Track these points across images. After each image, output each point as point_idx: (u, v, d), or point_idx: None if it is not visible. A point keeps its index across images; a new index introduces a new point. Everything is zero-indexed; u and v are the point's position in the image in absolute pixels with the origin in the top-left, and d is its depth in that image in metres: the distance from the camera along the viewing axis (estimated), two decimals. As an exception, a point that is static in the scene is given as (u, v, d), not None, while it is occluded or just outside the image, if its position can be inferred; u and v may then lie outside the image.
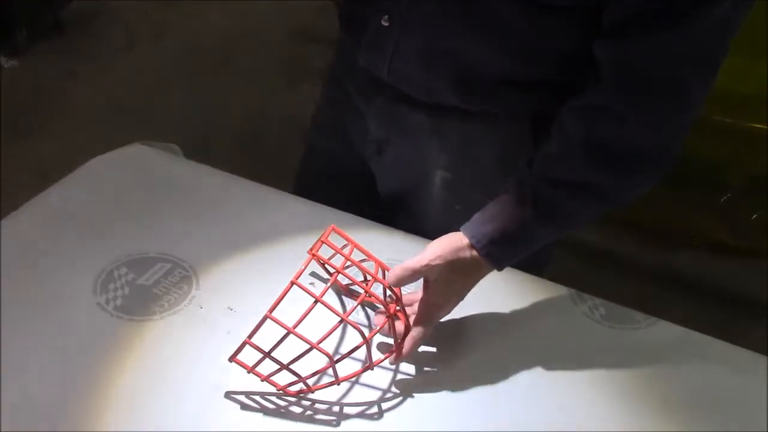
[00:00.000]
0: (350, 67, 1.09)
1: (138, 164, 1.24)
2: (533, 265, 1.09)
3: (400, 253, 1.03)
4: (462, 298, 0.93)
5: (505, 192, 0.91)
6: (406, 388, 0.89)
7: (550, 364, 0.93)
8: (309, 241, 0.93)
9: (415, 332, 0.89)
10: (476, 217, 0.91)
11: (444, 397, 0.89)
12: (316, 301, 0.80)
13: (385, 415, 0.86)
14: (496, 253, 0.89)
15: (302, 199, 1.17)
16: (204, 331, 0.93)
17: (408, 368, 0.92)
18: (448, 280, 0.89)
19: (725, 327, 1.24)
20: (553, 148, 0.89)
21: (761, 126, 2.09)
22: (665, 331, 0.99)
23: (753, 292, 2.24)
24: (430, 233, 1.10)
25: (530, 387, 0.91)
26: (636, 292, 1.40)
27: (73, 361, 0.88)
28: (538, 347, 0.95)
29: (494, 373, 0.92)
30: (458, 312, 0.98)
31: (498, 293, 1.02)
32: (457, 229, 0.91)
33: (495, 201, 0.91)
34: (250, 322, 0.89)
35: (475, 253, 0.89)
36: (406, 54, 0.98)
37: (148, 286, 0.99)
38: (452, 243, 0.90)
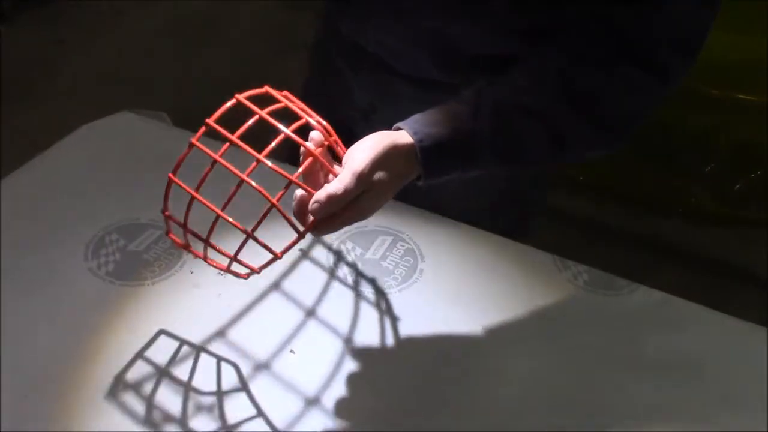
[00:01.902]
0: (336, 35, 1.09)
1: (127, 132, 1.24)
2: (520, 227, 1.10)
3: (381, 219, 1.06)
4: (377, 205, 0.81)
5: (457, 102, 0.84)
6: (379, 349, 0.91)
7: (534, 329, 0.95)
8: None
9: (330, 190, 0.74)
10: (420, 118, 0.82)
11: (425, 358, 0.90)
12: (214, 162, 0.71)
13: (344, 374, 0.87)
14: (434, 159, 0.81)
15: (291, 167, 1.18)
16: (195, 295, 0.95)
17: (388, 330, 0.93)
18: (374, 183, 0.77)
19: (709, 293, 1.26)
20: (525, 79, 0.85)
21: (746, 96, 2.11)
22: (647, 296, 1.01)
23: (736, 259, 2.28)
24: (414, 202, 1.11)
25: (513, 352, 0.92)
26: (621, 260, 1.41)
27: (66, 325, 0.90)
28: (522, 312, 0.97)
29: (476, 338, 0.93)
30: (441, 276, 1.01)
31: (484, 260, 1.04)
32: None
33: (443, 108, 0.84)
34: (240, 286, 0.91)
35: (409, 153, 0.80)
36: (390, 28, 0.98)
37: (139, 251, 1.00)
38: (385, 142, 0.79)
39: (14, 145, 2.50)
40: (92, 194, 1.10)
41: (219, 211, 0.72)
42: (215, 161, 0.71)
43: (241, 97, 0.72)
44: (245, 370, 0.86)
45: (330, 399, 0.84)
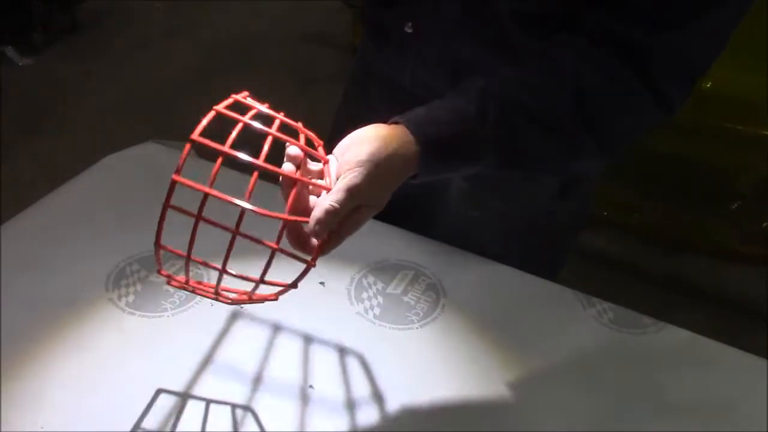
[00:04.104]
0: (372, 72, 1.09)
1: (151, 162, 1.25)
2: (549, 267, 1.08)
3: (403, 253, 1.05)
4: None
5: (460, 97, 0.82)
6: (403, 386, 0.89)
7: (558, 367, 0.94)
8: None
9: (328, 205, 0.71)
10: (423, 115, 0.79)
11: (445, 395, 0.89)
12: (205, 195, 0.71)
13: (364, 411, 0.86)
14: (435, 161, 0.78)
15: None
16: (213, 327, 0.94)
17: (409, 366, 0.92)
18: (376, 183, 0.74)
19: (734, 333, 1.24)
20: (537, 78, 0.82)
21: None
22: (673, 335, 0.99)
23: (762, 298, 2.25)
24: (442, 237, 1.10)
25: (537, 389, 0.91)
26: (647, 298, 1.40)
27: (85, 355, 0.89)
28: (547, 350, 0.96)
29: (498, 375, 0.92)
30: (463, 311, 1.00)
31: (507, 296, 1.03)
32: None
33: (446, 105, 0.81)
34: (258, 320, 0.91)
35: (408, 158, 0.76)
36: (428, 62, 0.98)
37: (159, 283, 1.00)
38: (383, 154, 0.74)
39: (40, 174, 2.53)
40: (115, 224, 1.10)
41: (223, 269, 0.73)
42: (207, 193, 0.71)
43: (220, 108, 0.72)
44: (262, 405, 0.85)
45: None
